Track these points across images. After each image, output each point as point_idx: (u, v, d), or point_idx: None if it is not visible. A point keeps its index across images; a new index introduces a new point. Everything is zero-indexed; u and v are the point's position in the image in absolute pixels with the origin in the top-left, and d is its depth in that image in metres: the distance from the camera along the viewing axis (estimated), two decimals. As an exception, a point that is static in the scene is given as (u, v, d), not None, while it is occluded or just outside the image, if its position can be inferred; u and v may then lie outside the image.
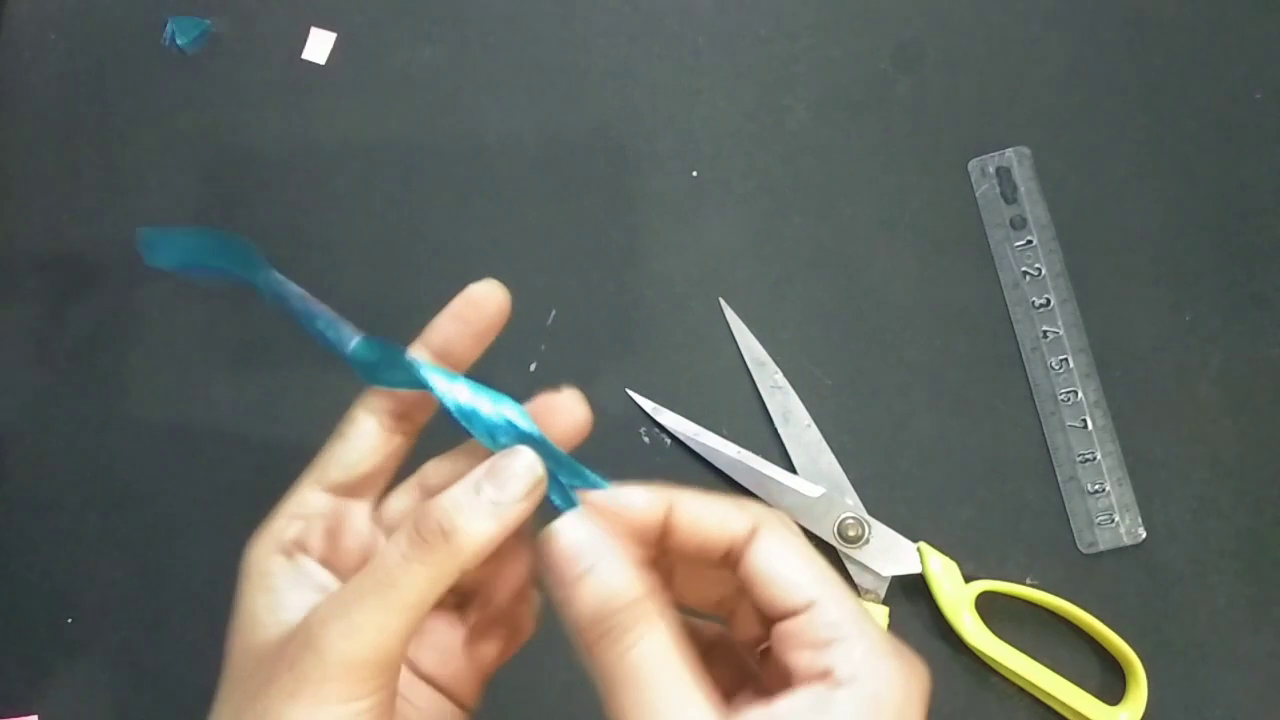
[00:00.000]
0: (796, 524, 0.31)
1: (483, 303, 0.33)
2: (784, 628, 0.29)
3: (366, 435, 0.31)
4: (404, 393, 0.32)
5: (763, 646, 0.30)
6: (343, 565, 0.31)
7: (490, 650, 0.33)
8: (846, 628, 0.28)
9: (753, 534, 0.29)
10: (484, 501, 0.28)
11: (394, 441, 0.32)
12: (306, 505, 0.31)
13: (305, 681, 0.26)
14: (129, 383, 0.52)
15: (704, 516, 0.30)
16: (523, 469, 0.29)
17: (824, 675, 0.27)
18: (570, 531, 0.28)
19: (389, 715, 0.28)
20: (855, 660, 0.27)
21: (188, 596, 0.50)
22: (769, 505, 0.47)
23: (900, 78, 0.53)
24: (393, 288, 0.53)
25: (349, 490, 0.31)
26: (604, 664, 0.27)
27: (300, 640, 0.27)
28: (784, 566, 0.29)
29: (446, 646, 0.32)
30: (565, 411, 0.31)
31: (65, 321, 0.53)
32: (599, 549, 0.28)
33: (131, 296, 0.53)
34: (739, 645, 0.32)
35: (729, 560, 0.30)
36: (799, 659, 0.28)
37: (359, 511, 0.32)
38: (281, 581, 0.29)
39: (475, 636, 0.33)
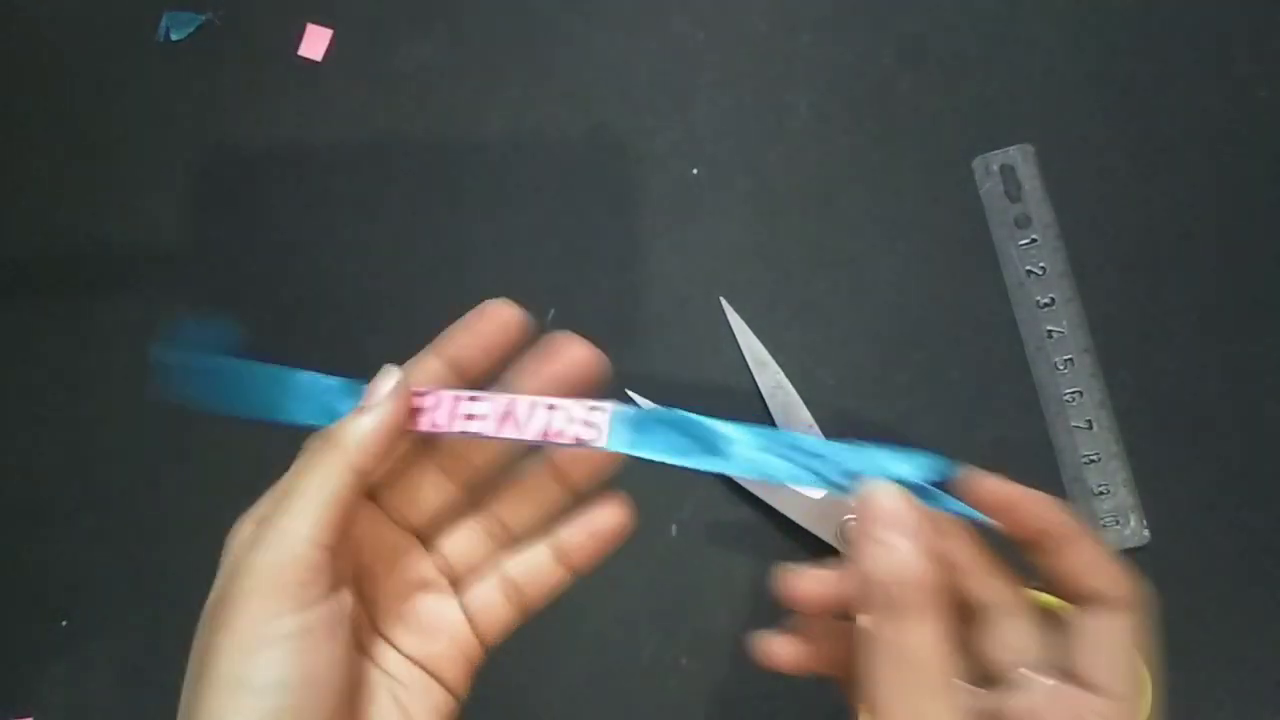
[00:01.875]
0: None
1: (494, 316, 0.34)
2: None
3: (384, 426, 0.31)
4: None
5: None
6: (362, 563, 0.32)
7: (485, 628, 0.33)
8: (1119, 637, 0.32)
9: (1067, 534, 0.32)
10: (364, 409, 0.31)
11: (402, 441, 0.32)
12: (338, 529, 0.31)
13: (238, 607, 0.28)
14: (125, 382, 0.52)
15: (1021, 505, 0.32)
16: (384, 376, 0.31)
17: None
18: (893, 498, 0.29)
19: (340, 632, 0.29)
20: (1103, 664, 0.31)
21: (182, 598, 0.49)
22: (771, 507, 0.48)
23: (903, 75, 0.53)
24: (391, 287, 0.52)
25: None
26: (877, 630, 0.28)
27: (228, 571, 0.29)
28: (1097, 564, 0.32)
29: (434, 629, 0.33)
30: (567, 355, 0.34)
31: (61, 320, 0.53)
32: (915, 525, 0.29)
33: (126, 295, 0.53)
34: None
35: (1035, 542, 0.32)
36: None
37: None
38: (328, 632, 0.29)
39: (470, 613, 0.33)
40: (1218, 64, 0.52)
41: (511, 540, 0.34)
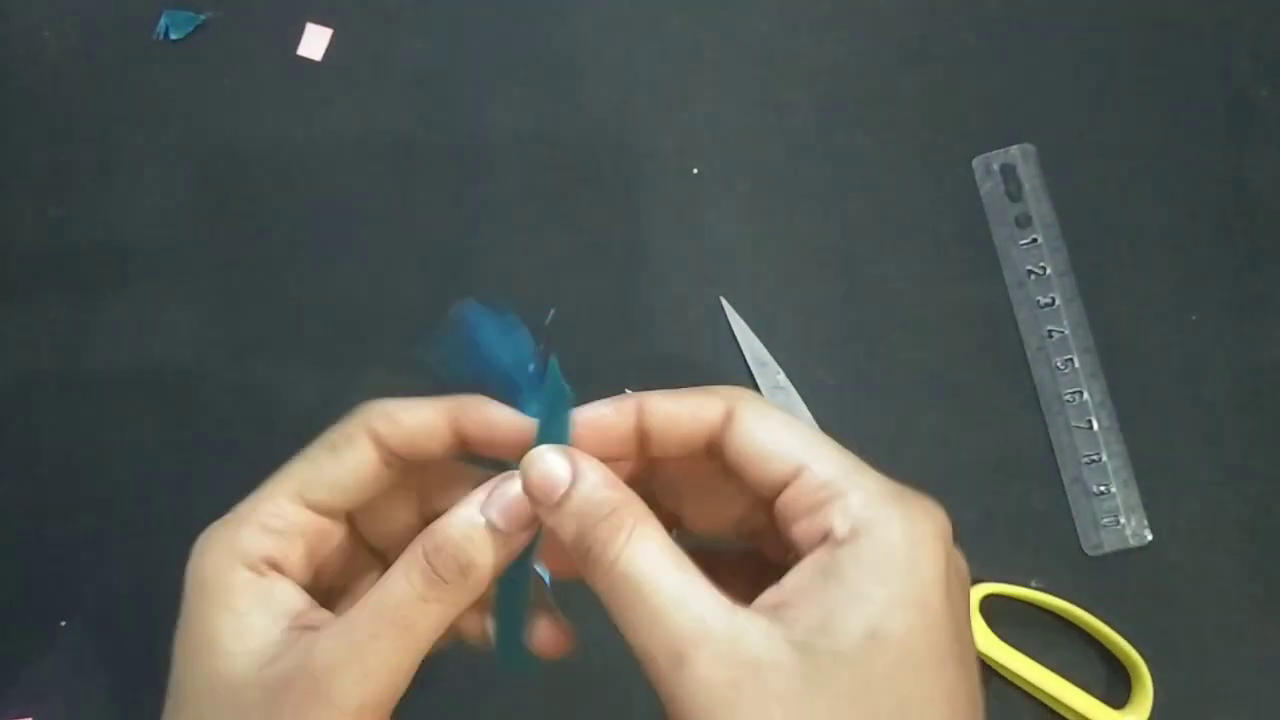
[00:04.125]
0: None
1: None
2: (780, 504, 0.27)
3: (364, 463, 0.29)
4: (423, 437, 0.29)
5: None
6: (320, 586, 0.30)
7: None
8: (839, 484, 0.26)
9: (729, 416, 0.28)
10: (493, 531, 0.27)
11: (388, 475, 0.30)
12: (284, 518, 0.29)
13: None
14: (124, 382, 0.52)
15: (675, 410, 0.28)
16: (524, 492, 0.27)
17: (824, 538, 0.25)
18: (542, 458, 0.27)
19: None
20: (852, 514, 0.25)
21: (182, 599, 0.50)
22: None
23: (904, 75, 0.53)
24: (392, 288, 0.52)
25: (331, 510, 0.29)
26: (599, 581, 0.26)
27: (306, 687, 0.25)
28: (765, 436, 0.27)
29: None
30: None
31: (60, 320, 0.53)
32: (573, 467, 0.27)
33: (127, 294, 0.53)
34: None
35: (713, 452, 0.28)
36: (798, 530, 0.26)
37: (338, 529, 0.30)
38: (245, 602, 0.27)
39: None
40: (1218, 64, 0.52)
41: None
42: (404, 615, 0.26)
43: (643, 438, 0.29)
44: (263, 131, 0.54)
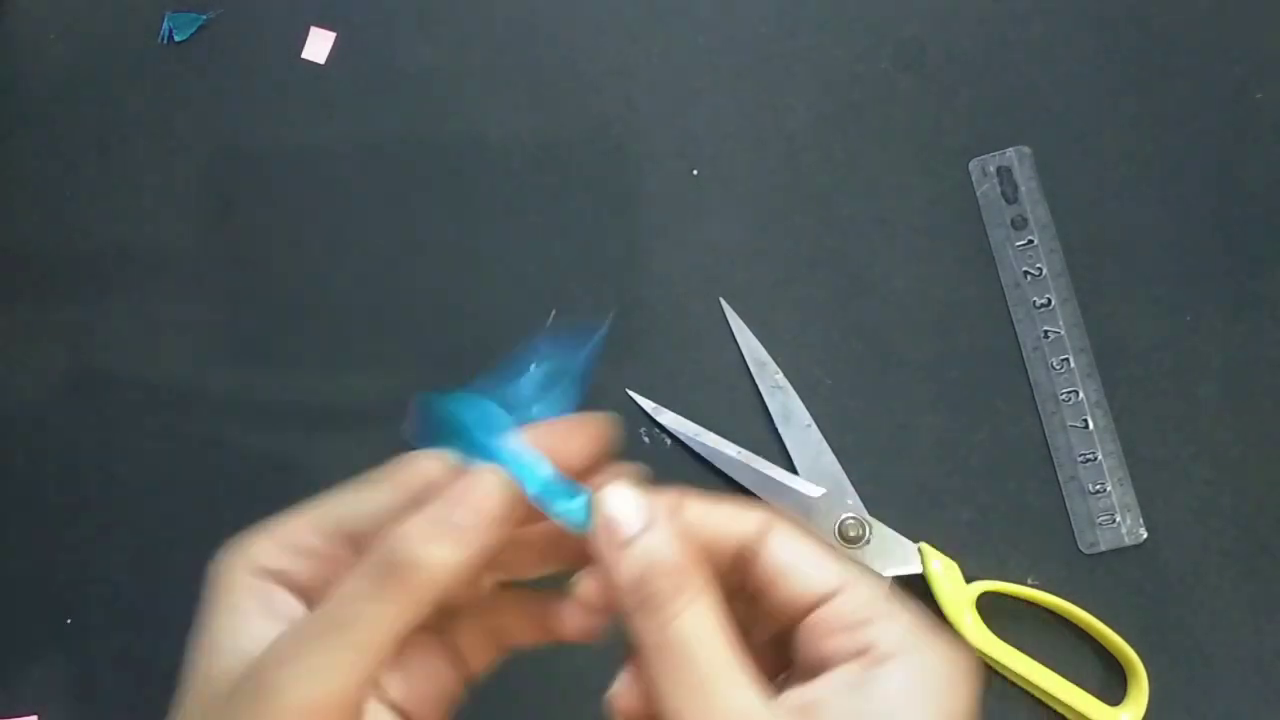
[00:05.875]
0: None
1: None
2: (813, 619, 0.28)
3: (390, 504, 0.28)
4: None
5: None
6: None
7: (472, 663, 0.31)
8: (881, 606, 0.27)
9: (764, 533, 0.29)
10: (447, 528, 0.26)
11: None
12: (299, 538, 0.28)
13: None
14: (127, 382, 0.52)
15: (712, 517, 0.29)
16: (492, 488, 0.27)
17: (862, 652, 0.26)
18: (618, 498, 0.28)
19: None
20: (895, 636, 0.27)
21: (187, 597, 0.50)
22: (770, 504, 0.48)
23: (901, 76, 0.53)
24: (392, 289, 0.53)
25: (353, 542, 0.29)
26: (644, 635, 0.26)
27: (254, 682, 0.25)
28: (804, 558, 0.28)
29: (412, 668, 0.29)
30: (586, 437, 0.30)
31: (63, 321, 0.53)
32: (647, 515, 0.27)
33: (129, 296, 0.53)
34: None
35: (739, 564, 0.29)
36: (834, 643, 0.27)
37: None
38: (247, 604, 0.27)
39: (455, 650, 0.30)
40: (1217, 64, 0.52)
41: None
42: (349, 613, 0.26)
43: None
44: (266, 134, 0.54)
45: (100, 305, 0.53)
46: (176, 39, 0.55)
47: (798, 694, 0.26)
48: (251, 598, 0.28)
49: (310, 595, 0.29)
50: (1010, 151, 0.52)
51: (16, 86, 0.55)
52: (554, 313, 0.52)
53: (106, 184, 0.54)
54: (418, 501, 0.27)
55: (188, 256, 0.53)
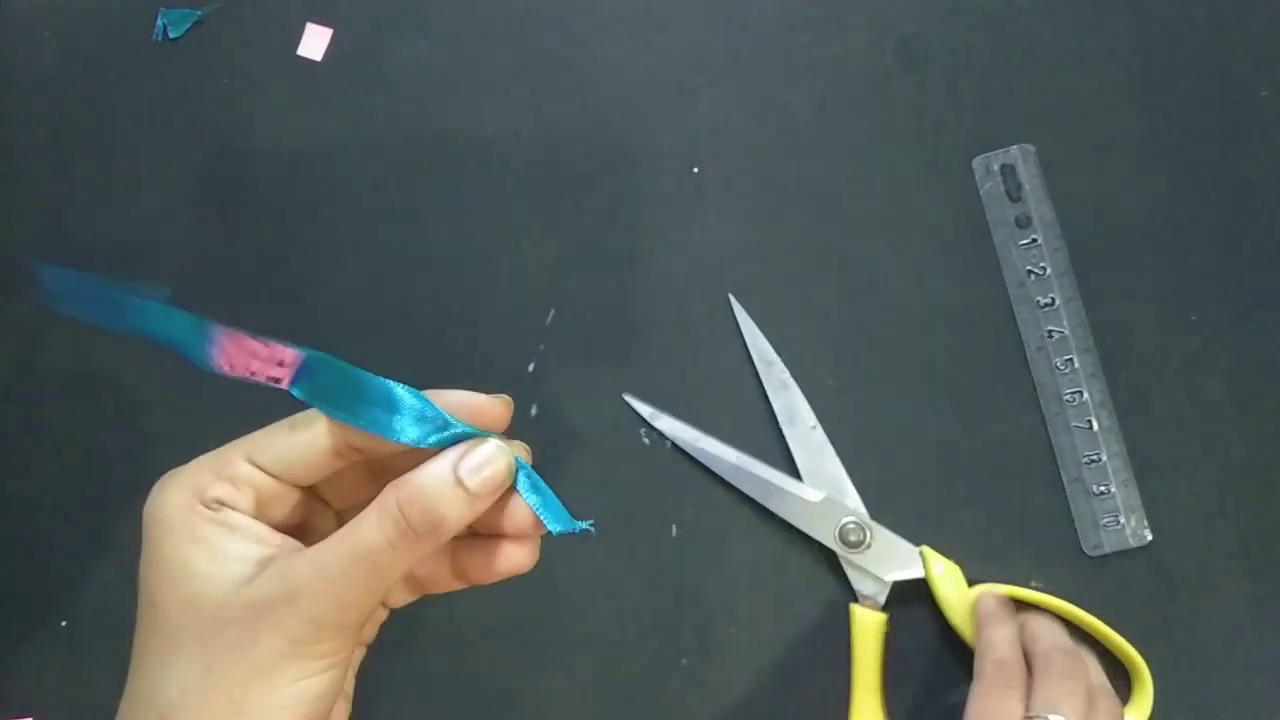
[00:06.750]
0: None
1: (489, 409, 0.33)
2: None
3: (315, 446, 0.31)
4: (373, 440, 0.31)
5: None
6: (274, 520, 0.32)
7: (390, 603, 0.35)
8: None
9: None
10: (464, 492, 0.30)
11: (337, 464, 0.32)
12: (234, 471, 0.31)
13: (299, 643, 0.28)
14: (124, 382, 0.52)
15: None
16: (496, 455, 0.30)
17: None
18: (993, 601, 0.45)
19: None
20: None
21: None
22: (771, 511, 0.48)
23: (904, 74, 0.52)
24: (390, 287, 0.52)
25: (278, 478, 0.32)
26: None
27: (286, 607, 0.28)
28: None
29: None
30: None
31: (59, 319, 0.53)
32: (1007, 615, 0.45)
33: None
34: None
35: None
36: None
37: (291, 492, 0.32)
38: (211, 534, 0.30)
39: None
40: (1220, 63, 0.52)
41: None
42: (375, 560, 0.29)
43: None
44: (262, 132, 0.54)
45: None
46: (171, 35, 0.54)
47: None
48: (214, 527, 0.30)
49: (254, 515, 0.31)
50: (1014, 149, 0.51)
51: (11, 83, 0.55)
52: (553, 313, 0.51)
53: (102, 181, 0.54)
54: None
55: (183, 253, 0.53)
